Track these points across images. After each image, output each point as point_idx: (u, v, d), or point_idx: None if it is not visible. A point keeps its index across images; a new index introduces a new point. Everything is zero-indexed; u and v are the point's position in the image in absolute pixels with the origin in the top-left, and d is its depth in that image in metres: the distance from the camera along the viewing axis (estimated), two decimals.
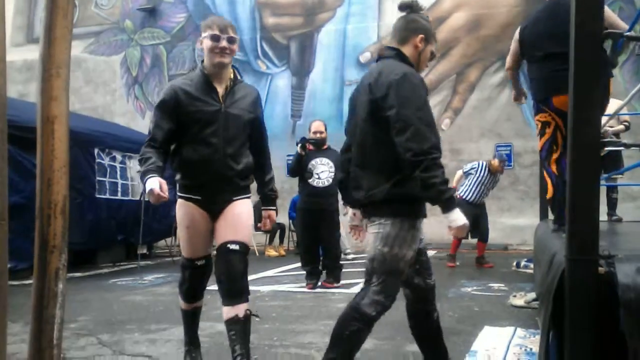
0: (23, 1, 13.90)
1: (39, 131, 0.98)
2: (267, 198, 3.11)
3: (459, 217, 2.24)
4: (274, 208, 3.15)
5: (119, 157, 8.62)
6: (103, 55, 13.45)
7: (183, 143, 2.84)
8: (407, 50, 2.48)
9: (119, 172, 8.57)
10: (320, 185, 6.00)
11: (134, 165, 8.80)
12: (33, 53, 13.13)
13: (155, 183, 2.63)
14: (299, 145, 6.06)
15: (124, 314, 4.72)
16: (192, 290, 3.16)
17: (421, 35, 2.49)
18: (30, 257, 4.66)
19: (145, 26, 13.19)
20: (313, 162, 6.04)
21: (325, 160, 6.02)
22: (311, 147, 6.07)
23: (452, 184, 7.52)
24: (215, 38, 2.76)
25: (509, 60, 3.99)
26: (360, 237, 2.70)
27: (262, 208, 3.12)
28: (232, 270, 2.76)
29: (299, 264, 6.51)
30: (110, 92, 13.39)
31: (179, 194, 2.92)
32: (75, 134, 6.65)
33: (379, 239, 2.36)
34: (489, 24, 10.77)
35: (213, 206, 2.86)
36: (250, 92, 2.98)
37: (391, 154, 2.28)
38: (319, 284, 6.07)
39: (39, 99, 0.98)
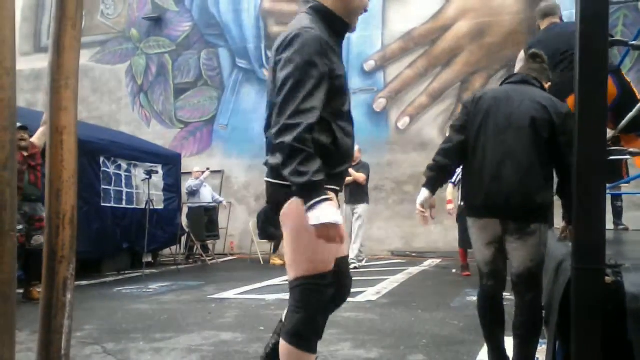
0: (29, 10, 14.02)
1: (48, 142, 0.98)
2: None
3: None
4: None
5: (124, 165, 8.65)
6: (109, 64, 13.53)
7: (326, 119, 2.03)
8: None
9: (124, 181, 8.60)
10: None
11: (138, 174, 8.83)
12: (41, 62, 13.22)
13: (338, 215, 1.90)
14: None
15: (129, 322, 4.71)
16: (324, 323, 2.16)
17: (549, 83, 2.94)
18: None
19: (151, 35, 13.27)
20: None
21: None
22: None
23: (448, 198, 7.45)
24: None
25: None
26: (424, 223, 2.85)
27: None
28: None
29: None
30: (116, 101, 13.46)
31: None
32: (81, 142, 6.67)
33: (542, 245, 2.68)
34: (493, 32, 10.79)
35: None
36: None
37: (543, 166, 2.62)
38: None
39: (48, 110, 0.99)
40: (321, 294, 2.05)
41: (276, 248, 9.91)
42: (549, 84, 2.94)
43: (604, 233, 1.95)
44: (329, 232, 1.87)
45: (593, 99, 1.96)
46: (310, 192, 1.86)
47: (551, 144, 2.63)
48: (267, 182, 2.13)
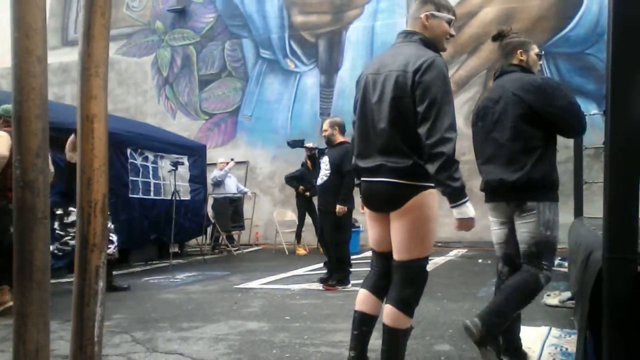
0: (57, 4, 14.22)
1: (78, 130, 1.00)
2: None
3: None
4: None
5: (151, 157, 8.73)
6: (135, 56, 13.67)
7: None
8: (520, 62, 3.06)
9: (151, 172, 8.68)
10: (318, 183, 6.07)
11: (165, 165, 8.91)
12: (68, 55, 13.41)
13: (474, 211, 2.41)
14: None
15: (157, 312, 4.78)
16: None
17: (520, 50, 3.07)
18: (67, 255, 4.70)
19: (176, 27, 13.35)
20: (321, 160, 6.17)
21: (325, 158, 6.02)
22: (309, 144, 6.59)
23: None
24: (451, 23, 2.65)
25: None
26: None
27: None
28: None
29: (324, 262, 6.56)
30: (142, 93, 13.60)
31: (427, 184, 2.49)
32: (109, 134, 6.76)
33: (543, 225, 2.77)
34: (520, 18, 10.58)
35: None
36: None
37: (529, 145, 2.78)
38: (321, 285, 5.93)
39: (79, 98, 1.00)
40: (426, 273, 2.57)
41: (299, 238, 9.93)
42: (534, 50, 3.07)
43: (637, 222, 1.91)
44: (469, 224, 2.37)
45: (627, 84, 1.91)
46: (461, 194, 2.34)
47: (538, 121, 2.78)
48: (391, 182, 2.48)
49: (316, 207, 6.55)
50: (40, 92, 0.92)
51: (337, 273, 5.94)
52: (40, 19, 0.88)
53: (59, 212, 5.72)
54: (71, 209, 5.70)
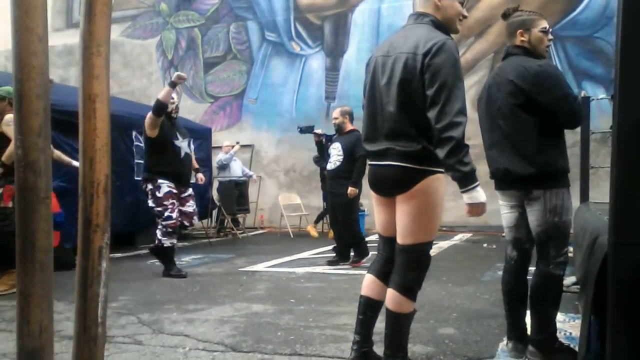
0: None
1: (80, 110, 0.99)
2: None
3: None
4: None
5: None
6: (139, 38, 13.59)
7: None
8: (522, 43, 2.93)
9: None
10: (329, 168, 6.42)
11: None
12: (73, 38, 13.36)
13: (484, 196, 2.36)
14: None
15: (163, 294, 4.81)
16: None
17: (520, 30, 2.93)
18: (71, 238, 4.75)
19: (180, 9, 13.26)
20: (331, 146, 6.55)
21: (336, 144, 6.37)
22: (318, 131, 7.40)
23: None
24: (464, 4, 2.59)
25: None
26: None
27: None
28: None
29: (332, 246, 6.64)
30: (147, 76, 13.55)
31: (434, 169, 2.46)
32: (114, 117, 6.74)
33: (550, 212, 2.72)
34: (528, 1, 10.45)
35: None
36: None
37: (530, 135, 2.72)
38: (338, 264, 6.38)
39: (80, 78, 0.99)
40: (429, 257, 2.58)
41: (318, 221, 10.03)
42: (538, 27, 2.89)
43: None
44: (479, 209, 2.34)
45: (636, 69, 1.88)
46: (471, 178, 2.29)
47: (535, 108, 2.72)
48: (398, 166, 2.45)
49: (327, 190, 7.06)
50: (42, 70, 0.91)
51: (356, 248, 6.37)
52: None
53: (150, 187, 5.66)
54: (160, 181, 5.61)
